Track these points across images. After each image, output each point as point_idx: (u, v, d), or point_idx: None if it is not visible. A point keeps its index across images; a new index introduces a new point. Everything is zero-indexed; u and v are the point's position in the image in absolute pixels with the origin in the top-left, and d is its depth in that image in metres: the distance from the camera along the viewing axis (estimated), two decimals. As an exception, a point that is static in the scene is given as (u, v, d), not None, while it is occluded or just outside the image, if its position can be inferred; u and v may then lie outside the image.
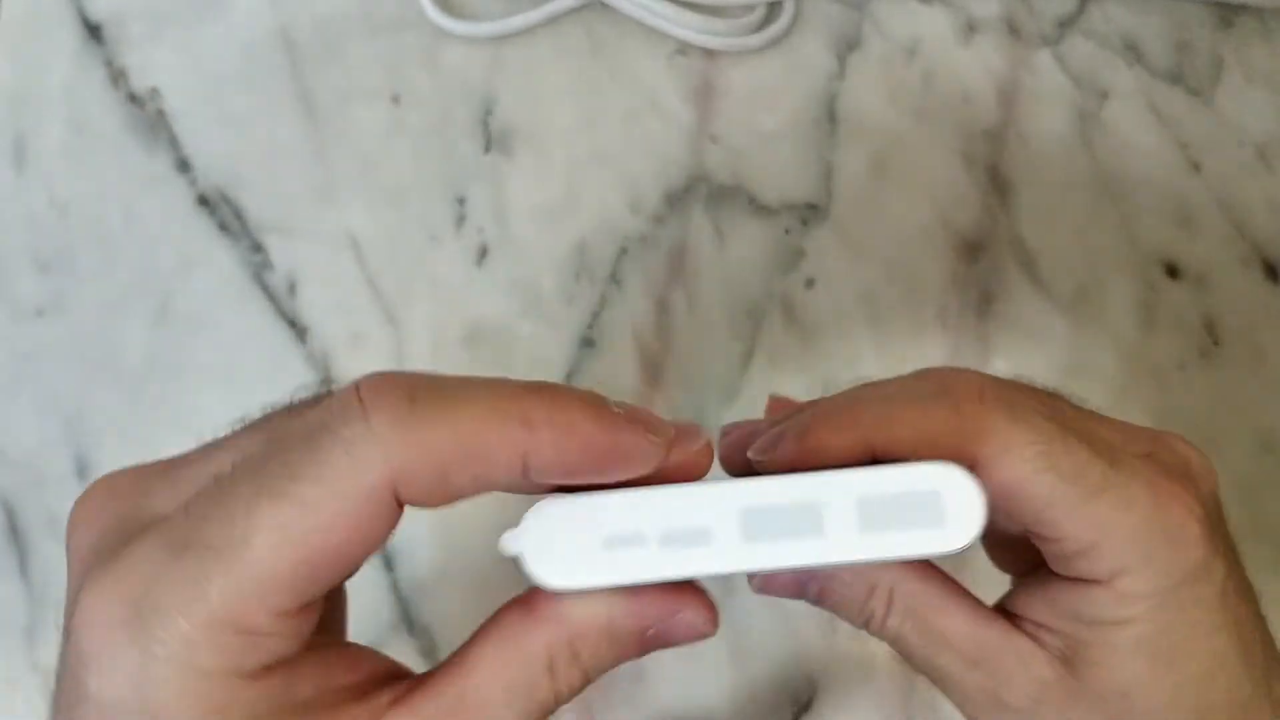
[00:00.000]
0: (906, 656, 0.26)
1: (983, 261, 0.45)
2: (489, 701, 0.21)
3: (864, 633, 0.42)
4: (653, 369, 0.44)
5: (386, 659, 0.22)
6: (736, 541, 0.19)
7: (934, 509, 0.19)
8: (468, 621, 0.42)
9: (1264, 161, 0.46)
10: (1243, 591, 0.25)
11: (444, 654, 0.41)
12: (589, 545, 0.19)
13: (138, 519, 0.20)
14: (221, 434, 0.23)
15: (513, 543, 0.19)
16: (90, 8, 0.48)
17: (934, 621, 0.25)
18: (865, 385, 0.25)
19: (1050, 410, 0.24)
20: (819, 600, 0.26)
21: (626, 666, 0.41)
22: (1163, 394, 0.44)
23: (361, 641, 0.43)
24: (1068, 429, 0.23)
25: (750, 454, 0.24)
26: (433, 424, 0.18)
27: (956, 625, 0.25)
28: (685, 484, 0.19)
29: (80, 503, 0.21)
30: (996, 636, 0.25)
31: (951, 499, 0.19)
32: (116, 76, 0.47)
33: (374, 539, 0.18)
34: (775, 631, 0.42)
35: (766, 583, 0.26)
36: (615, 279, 0.45)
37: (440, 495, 0.19)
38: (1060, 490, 0.22)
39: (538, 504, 0.19)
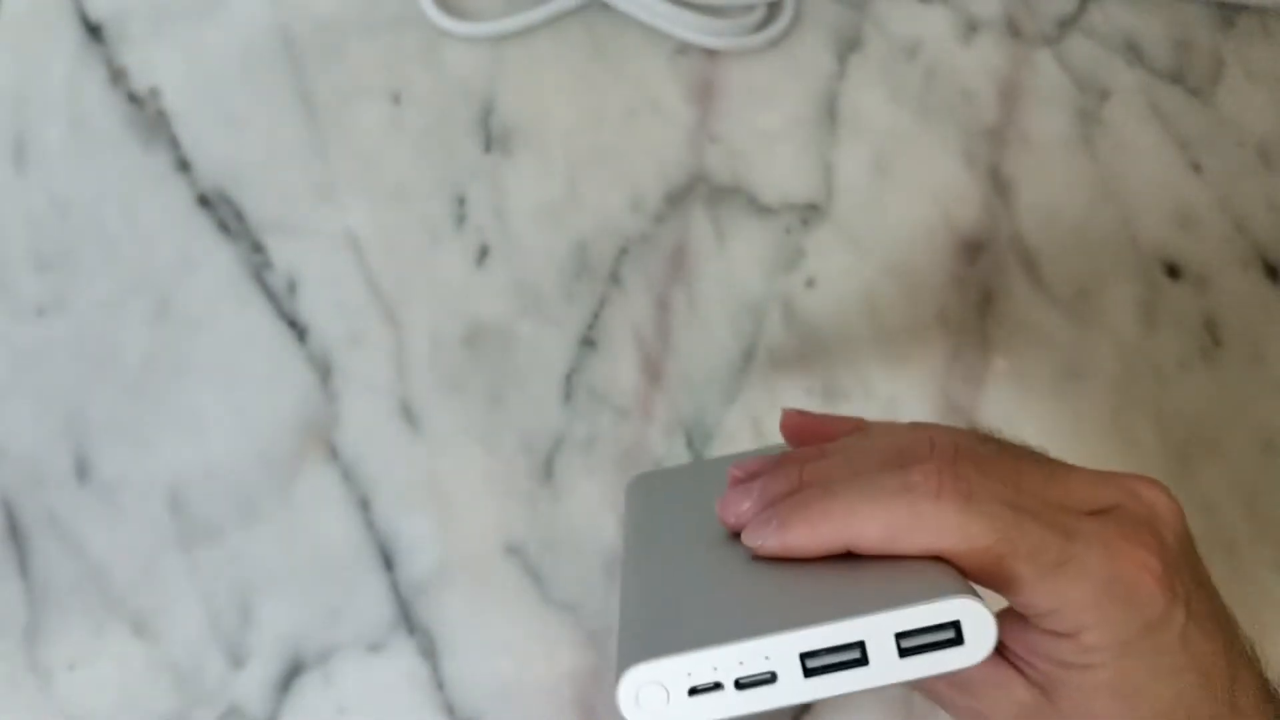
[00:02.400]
0: (909, 685, 0.30)
1: (983, 261, 0.45)
2: None
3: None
4: (653, 369, 0.44)
5: None
6: (798, 678, 0.23)
7: (955, 633, 0.23)
8: (468, 622, 0.42)
9: (1264, 161, 0.46)
10: (1207, 625, 0.27)
11: (443, 654, 0.42)
12: (677, 696, 0.23)
13: None
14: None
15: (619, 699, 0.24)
16: (90, 7, 0.48)
17: None
18: (843, 461, 0.29)
19: (1009, 489, 0.26)
20: None
21: (627, 666, 0.41)
22: (1163, 394, 0.44)
23: (362, 643, 0.43)
24: (1023, 510, 0.26)
25: (743, 539, 0.28)
26: None
27: None
28: (751, 637, 0.23)
29: None
30: (983, 667, 0.27)
31: (969, 624, 0.23)
32: (116, 76, 0.47)
33: None
34: (776, 631, 0.42)
35: None
36: (616, 278, 0.45)
37: None
38: (1020, 570, 0.26)
39: (629, 670, 0.24)
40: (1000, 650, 0.28)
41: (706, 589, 0.27)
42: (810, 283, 0.45)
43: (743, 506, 0.29)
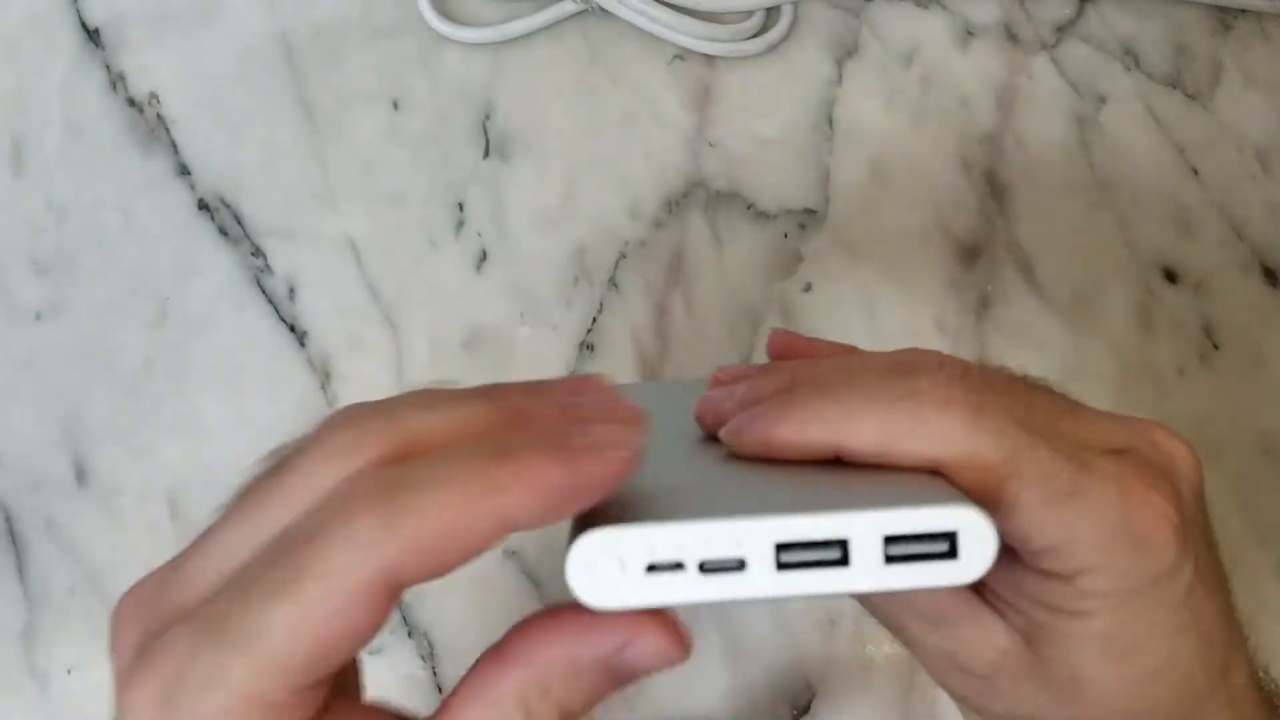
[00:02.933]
0: (873, 614, 0.27)
1: (981, 266, 0.45)
2: None
3: (862, 635, 0.42)
4: (651, 373, 0.44)
5: (395, 712, 0.24)
6: (769, 571, 0.21)
7: (951, 545, 0.21)
8: (467, 625, 0.42)
9: (1263, 165, 0.46)
10: (1211, 587, 0.25)
11: (442, 657, 0.42)
12: (633, 571, 0.21)
13: (163, 619, 0.22)
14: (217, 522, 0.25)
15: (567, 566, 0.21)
16: (89, 12, 0.48)
17: None
18: (843, 368, 0.26)
19: (1022, 410, 0.24)
20: None
21: (625, 671, 0.41)
22: (1161, 399, 0.44)
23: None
24: (1036, 433, 0.23)
25: (721, 434, 0.26)
26: (413, 522, 0.20)
27: (920, 591, 0.25)
28: (723, 517, 0.21)
29: (114, 614, 0.23)
30: (959, 604, 0.26)
31: (967, 537, 0.21)
32: (115, 81, 0.47)
33: (376, 622, 0.20)
34: (773, 634, 0.42)
35: None
36: (614, 284, 0.45)
37: (433, 573, 0.21)
38: (1025, 497, 0.23)
39: (584, 535, 0.21)
40: (981, 591, 0.26)
41: (674, 473, 0.25)
42: (808, 288, 0.45)
43: (724, 406, 0.27)
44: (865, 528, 0.21)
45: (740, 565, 0.21)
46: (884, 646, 0.42)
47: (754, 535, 0.21)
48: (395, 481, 0.20)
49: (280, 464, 0.24)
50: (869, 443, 0.23)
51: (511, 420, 0.22)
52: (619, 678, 0.22)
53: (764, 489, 0.23)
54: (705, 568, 0.21)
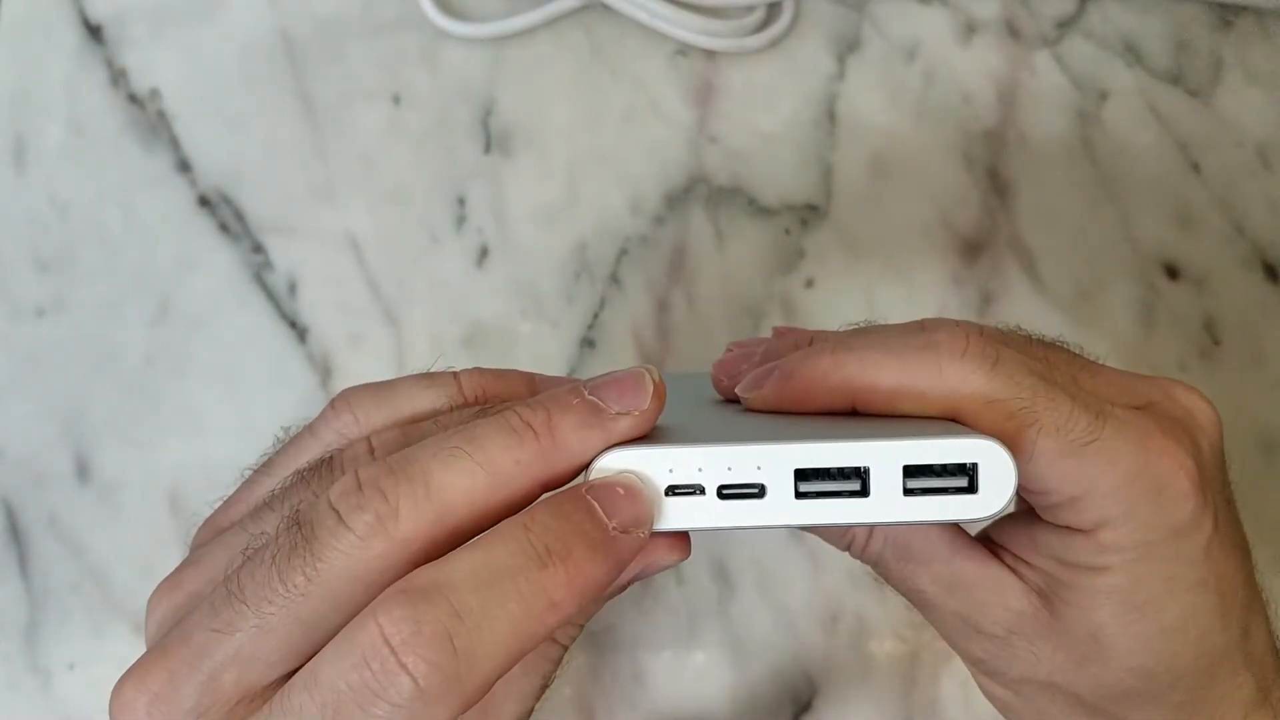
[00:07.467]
0: (886, 579, 0.27)
1: (982, 262, 0.45)
2: (510, 677, 0.23)
3: (863, 633, 0.42)
4: (653, 369, 0.44)
5: None
6: (788, 498, 0.21)
7: (970, 479, 0.21)
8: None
9: (1263, 161, 0.46)
10: (1230, 545, 0.25)
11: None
12: (652, 493, 0.21)
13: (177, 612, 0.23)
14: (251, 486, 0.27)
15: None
16: (91, 8, 0.48)
17: (913, 547, 0.25)
18: (859, 331, 0.26)
19: (1039, 364, 0.24)
20: None
21: (627, 668, 0.41)
22: (1162, 394, 0.44)
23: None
24: (1053, 383, 0.23)
25: (738, 390, 0.26)
26: (480, 671, 0.19)
27: (935, 552, 0.25)
28: (744, 443, 0.21)
29: (147, 603, 0.24)
30: (974, 565, 0.25)
31: (987, 471, 0.21)
32: (117, 77, 0.47)
33: None
34: (775, 632, 0.42)
35: None
36: (615, 279, 0.45)
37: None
38: (1043, 445, 0.23)
39: (605, 455, 0.21)
40: (997, 550, 0.26)
41: (691, 421, 0.25)
42: (809, 283, 0.45)
43: (740, 366, 0.27)
44: (885, 457, 0.20)
45: (759, 491, 0.21)
46: (885, 644, 0.42)
47: (775, 461, 0.20)
48: (454, 630, 0.19)
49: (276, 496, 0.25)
50: (886, 391, 0.23)
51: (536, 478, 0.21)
52: (626, 587, 0.23)
53: (782, 428, 0.23)
54: (724, 493, 0.21)
